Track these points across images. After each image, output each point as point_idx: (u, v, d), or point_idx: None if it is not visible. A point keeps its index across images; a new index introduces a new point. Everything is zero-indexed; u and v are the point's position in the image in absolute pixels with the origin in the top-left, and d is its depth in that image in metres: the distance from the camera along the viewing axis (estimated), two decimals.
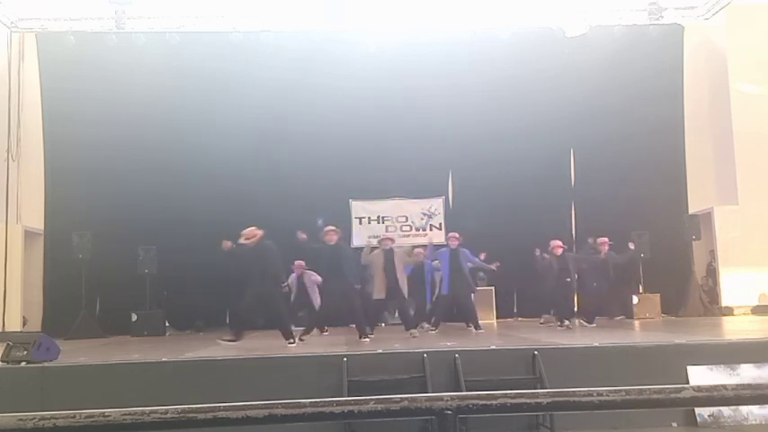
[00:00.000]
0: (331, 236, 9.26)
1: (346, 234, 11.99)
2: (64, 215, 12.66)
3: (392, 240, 10.24)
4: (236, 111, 12.55)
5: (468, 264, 10.35)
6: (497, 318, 12.74)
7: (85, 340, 10.46)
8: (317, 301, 10.29)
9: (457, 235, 10.48)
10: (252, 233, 8.61)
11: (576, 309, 10.84)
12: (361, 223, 13.15)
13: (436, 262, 10.69)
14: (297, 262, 10.68)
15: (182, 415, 1.55)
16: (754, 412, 6.55)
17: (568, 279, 10.33)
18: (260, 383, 6.45)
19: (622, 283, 11.34)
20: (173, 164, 12.63)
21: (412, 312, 10.18)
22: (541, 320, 11.45)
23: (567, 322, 10.27)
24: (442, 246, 11.84)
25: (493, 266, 10.78)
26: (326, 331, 10.60)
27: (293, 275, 10.81)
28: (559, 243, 10.57)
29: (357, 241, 13.19)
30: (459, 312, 10.83)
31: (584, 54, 13.11)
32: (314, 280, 10.45)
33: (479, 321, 10.34)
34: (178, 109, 12.70)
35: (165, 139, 12.70)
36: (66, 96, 12.75)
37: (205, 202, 12.45)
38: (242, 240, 8.60)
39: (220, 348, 8.49)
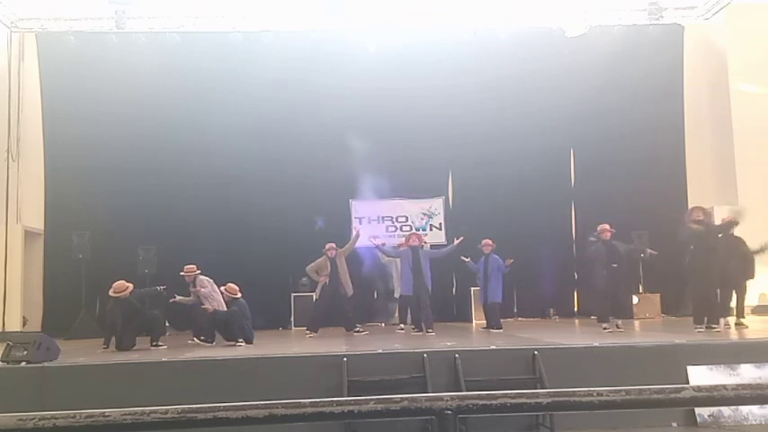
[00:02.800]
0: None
1: (346, 234, 12.00)
2: (64, 215, 12.66)
3: (334, 249, 10.62)
4: (235, 111, 12.55)
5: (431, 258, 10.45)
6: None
7: (85, 340, 10.46)
8: (216, 305, 9.28)
9: (420, 234, 10.72)
10: (121, 287, 8.77)
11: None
12: (360, 223, 13.14)
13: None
14: (187, 267, 9.63)
15: (182, 415, 1.55)
16: (754, 412, 6.55)
17: (615, 264, 9.42)
18: (260, 383, 6.46)
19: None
20: (173, 164, 12.62)
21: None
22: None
23: (619, 322, 9.45)
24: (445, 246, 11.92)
25: (455, 242, 10.73)
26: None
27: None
28: (608, 227, 9.66)
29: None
30: (414, 313, 10.49)
31: (584, 54, 13.11)
32: (203, 285, 9.42)
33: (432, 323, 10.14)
34: (178, 109, 12.69)
35: (165, 139, 12.69)
36: (66, 96, 12.74)
37: (205, 202, 12.46)
38: (112, 293, 8.79)
39: (220, 348, 8.51)
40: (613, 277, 9.44)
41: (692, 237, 8.99)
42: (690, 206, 13.14)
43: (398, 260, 10.72)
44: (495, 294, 10.44)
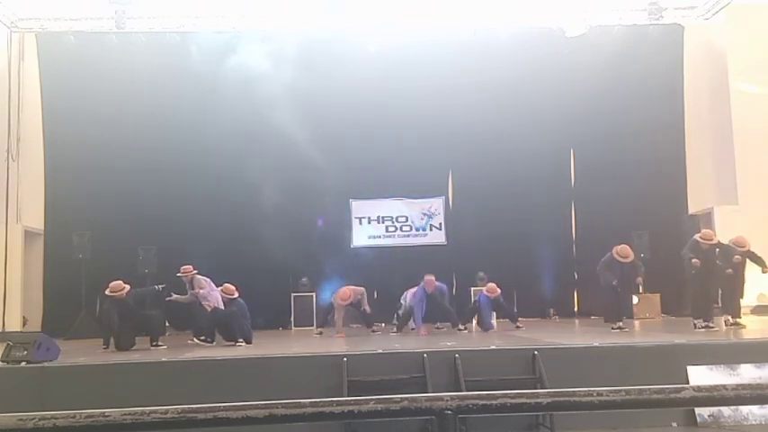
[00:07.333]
0: None
1: (347, 234, 12.00)
2: (64, 215, 12.66)
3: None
4: (235, 111, 12.54)
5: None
6: (497, 318, 12.71)
7: (85, 340, 10.46)
8: (215, 303, 9.23)
9: (433, 279, 10.25)
10: (118, 287, 8.79)
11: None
12: (360, 223, 13.14)
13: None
14: (183, 268, 9.66)
15: (182, 415, 1.55)
16: (754, 412, 6.55)
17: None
18: (260, 383, 6.46)
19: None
20: (173, 164, 12.62)
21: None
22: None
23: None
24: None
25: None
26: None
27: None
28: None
29: (357, 241, 13.21)
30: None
31: (584, 54, 13.12)
32: (201, 285, 9.39)
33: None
34: (178, 109, 12.69)
35: (165, 139, 12.69)
36: (66, 96, 12.75)
37: (205, 202, 12.45)
38: (108, 293, 8.80)
39: (220, 348, 8.51)
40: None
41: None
42: (689, 206, 13.20)
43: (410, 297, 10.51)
44: (489, 325, 10.58)
